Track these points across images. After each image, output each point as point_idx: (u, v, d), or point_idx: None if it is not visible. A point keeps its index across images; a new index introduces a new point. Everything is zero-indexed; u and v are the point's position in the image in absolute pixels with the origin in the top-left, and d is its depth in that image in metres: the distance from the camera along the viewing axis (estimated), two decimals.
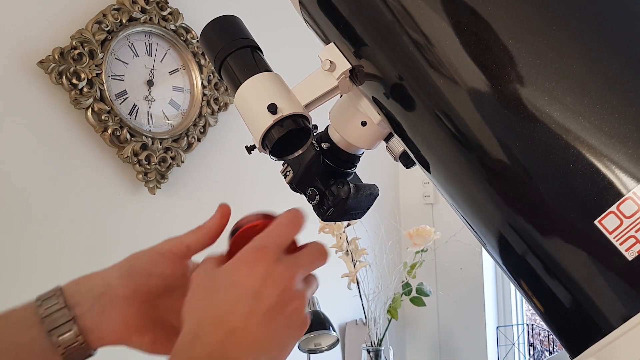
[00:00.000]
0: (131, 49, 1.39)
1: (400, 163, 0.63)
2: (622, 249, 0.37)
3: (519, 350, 2.00)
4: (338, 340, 1.62)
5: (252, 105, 0.58)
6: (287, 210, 0.48)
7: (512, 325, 2.05)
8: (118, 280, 0.48)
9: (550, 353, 2.00)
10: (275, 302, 0.42)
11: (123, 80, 1.37)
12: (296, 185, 0.68)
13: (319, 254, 0.48)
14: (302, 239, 0.59)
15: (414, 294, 1.81)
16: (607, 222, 0.38)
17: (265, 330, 0.42)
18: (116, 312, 0.47)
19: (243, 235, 0.48)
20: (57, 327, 0.45)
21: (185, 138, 1.47)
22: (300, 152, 0.59)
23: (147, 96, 1.42)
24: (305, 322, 0.45)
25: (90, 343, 0.47)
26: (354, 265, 1.66)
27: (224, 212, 0.51)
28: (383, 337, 1.74)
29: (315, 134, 0.66)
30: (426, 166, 0.53)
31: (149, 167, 1.38)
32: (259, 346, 0.41)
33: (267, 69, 0.61)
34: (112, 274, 0.49)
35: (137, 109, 1.40)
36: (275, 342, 0.42)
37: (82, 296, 0.47)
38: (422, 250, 1.79)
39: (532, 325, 2.06)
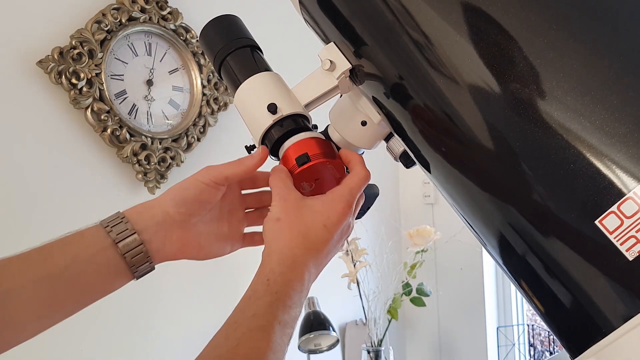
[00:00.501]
0: (131, 49, 1.39)
1: (400, 163, 0.63)
2: (622, 249, 0.37)
3: (519, 350, 2.00)
4: (338, 340, 1.62)
5: (252, 105, 0.58)
6: (356, 161, 0.58)
7: (513, 326, 2.05)
8: (174, 209, 0.56)
9: (551, 353, 2.00)
10: (338, 246, 0.57)
11: (122, 80, 1.37)
12: None
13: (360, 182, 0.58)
14: None
15: (414, 294, 1.81)
16: (607, 222, 0.38)
17: (325, 264, 0.56)
18: (176, 236, 0.56)
19: (314, 168, 0.57)
20: (130, 250, 0.53)
21: (185, 138, 1.47)
22: None
23: (146, 96, 1.42)
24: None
25: (155, 261, 0.56)
26: (354, 266, 1.66)
27: (264, 156, 0.58)
28: (383, 337, 1.74)
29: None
30: (426, 166, 0.53)
31: (148, 167, 1.38)
32: (319, 273, 0.56)
33: (267, 68, 0.61)
34: (167, 203, 0.56)
35: (137, 109, 1.39)
36: (324, 267, 0.57)
37: (146, 223, 0.55)
38: (422, 251, 1.79)
39: (532, 325, 2.06)
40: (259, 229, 0.61)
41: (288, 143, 0.57)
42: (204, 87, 1.52)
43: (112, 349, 1.31)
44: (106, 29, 1.32)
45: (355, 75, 0.57)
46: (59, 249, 0.53)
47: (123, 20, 1.35)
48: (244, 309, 0.49)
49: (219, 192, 0.58)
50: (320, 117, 0.64)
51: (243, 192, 0.64)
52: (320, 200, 0.55)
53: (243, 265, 1.57)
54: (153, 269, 0.56)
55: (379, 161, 1.58)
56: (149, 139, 1.38)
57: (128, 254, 0.53)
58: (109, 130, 1.31)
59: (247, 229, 0.65)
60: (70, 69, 1.25)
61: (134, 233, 0.54)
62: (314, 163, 0.56)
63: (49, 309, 0.51)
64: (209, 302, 1.49)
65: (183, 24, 1.48)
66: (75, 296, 0.52)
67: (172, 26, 1.45)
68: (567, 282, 0.41)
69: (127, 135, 1.34)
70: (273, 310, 0.49)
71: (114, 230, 0.54)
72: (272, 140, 0.58)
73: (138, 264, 0.54)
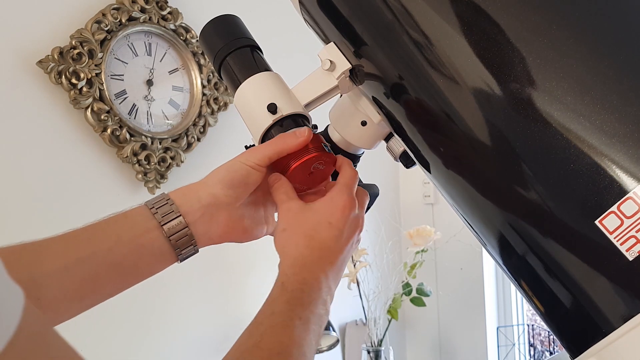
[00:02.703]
0: (131, 49, 1.39)
1: (400, 163, 0.63)
2: (622, 249, 0.37)
3: (519, 350, 2.00)
4: (338, 340, 1.62)
5: (251, 105, 0.58)
6: (343, 162, 0.59)
7: (513, 326, 2.05)
8: (222, 191, 0.56)
9: (551, 353, 2.00)
10: (353, 240, 0.57)
11: (122, 80, 1.37)
12: None
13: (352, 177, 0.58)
14: None
15: (414, 294, 1.81)
16: (607, 222, 0.38)
17: (343, 260, 0.56)
18: (222, 218, 0.56)
19: (304, 164, 0.57)
20: (176, 233, 0.53)
21: (185, 138, 1.47)
22: None
23: (146, 96, 1.42)
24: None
25: (199, 244, 0.56)
26: (354, 266, 1.66)
27: (308, 137, 0.57)
28: (383, 337, 1.74)
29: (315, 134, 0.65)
30: (426, 166, 0.53)
31: (148, 167, 1.38)
32: (340, 270, 0.56)
33: (266, 68, 0.60)
34: (214, 185, 0.56)
35: (137, 109, 1.39)
36: (345, 264, 0.57)
37: (191, 206, 0.54)
38: (422, 251, 1.79)
39: (532, 325, 2.05)
40: None
41: None
42: (204, 87, 1.52)
43: (113, 349, 1.31)
44: (106, 29, 1.32)
45: (355, 75, 0.57)
46: (103, 230, 0.53)
47: (123, 20, 1.35)
48: (264, 311, 0.50)
49: (262, 175, 0.58)
50: (320, 117, 0.63)
51: None
52: (320, 201, 0.56)
53: (245, 265, 1.57)
54: (197, 251, 0.56)
55: (379, 161, 1.59)
56: (149, 139, 1.38)
57: (173, 236, 0.53)
58: (109, 130, 1.31)
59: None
60: (70, 69, 1.25)
61: (179, 215, 0.53)
62: (303, 160, 0.57)
63: (91, 291, 0.51)
64: (209, 302, 1.49)
65: (183, 24, 1.48)
66: (118, 278, 0.52)
67: (172, 26, 1.45)
68: (567, 282, 0.41)
69: (127, 135, 1.34)
70: (291, 307, 0.49)
71: (159, 212, 0.53)
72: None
73: (182, 246, 0.54)
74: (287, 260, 0.53)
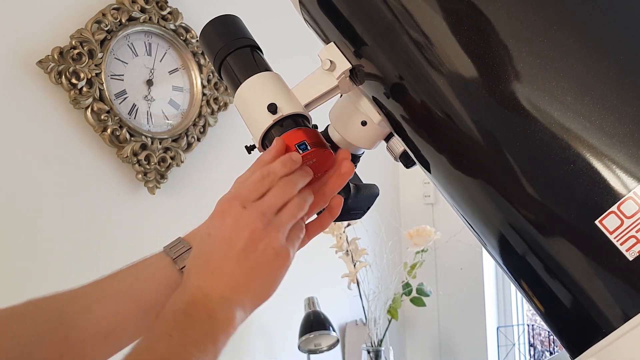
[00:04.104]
0: (131, 49, 1.39)
1: (400, 163, 0.63)
2: (622, 249, 0.37)
3: (519, 350, 2.00)
4: (338, 340, 1.62)
5: (252, 105, 0.58)
6: (258, 166, 0.53)
7: (513, 326, 2.05)
8: None
9: (551, 353, 2.00)
10: (246, 244, 0.49)
11: (122, 80, 1.37)
12: None
13: (281, 192, 0.52)
14: None
15: (414, 294, 1.81)
16: (607, 222, 0.38)
17: (240, 270, 0.49)
18: None
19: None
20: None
21: (185, 138, 1.47)
22: None
23: (146, 96, 1.42)
24: (281, 254, 0.50)
25: None
26: (354, 266, 1.66)
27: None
28: (383, 337, 1.74)
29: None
30: (426, 166, 0.53)
31: (148, 167, 1.38)
32: (238, 284, 0.49)
33: (267, 68, 0.60)
34: None
35: (137, 109, 1.39)
36: (253, 278, 0.49)
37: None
38: (422, 251, 1.79)
39: (532, 325, 2.05)
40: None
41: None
42: (204, 87, 1.52)
43: None
44: (106, 29, 1.32)
45: (355, 75, 0.57)
46: (123, 272, 0.56)
47: (123, 20, 1.35)
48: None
49: None
50: (320, 117, 0.63)
51: None
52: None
53: None
54: None
55: (379, 161, 1.59)
56: (149, 139, 1.38)
57: (185, 269, 0.53)
58: (109, 130, 1.31)
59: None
60: (70, 69, 1.25)
61: (190, 248, 0.56)
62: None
63: (114, 327, 0.53)
64: None
65: (183, 24, 1.48)
66: (139, 313, 0.54)
67: (172, 26, 1.45)
68: (567, 282, 0.41)
69: (127, 135, 1.34)
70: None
71: (172, 250, 0.56)
72: (272, 140, 0.58)
73: None
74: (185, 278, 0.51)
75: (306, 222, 0.57)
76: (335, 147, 0.65)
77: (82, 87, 1.27)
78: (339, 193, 0.63)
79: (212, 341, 0.46)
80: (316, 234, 0.58)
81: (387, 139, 0.64)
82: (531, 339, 2.05)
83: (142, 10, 1.39)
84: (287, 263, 0.51)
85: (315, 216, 0.59)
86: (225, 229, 0.50)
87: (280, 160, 0.53)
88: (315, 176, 0.59)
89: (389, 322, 1.78)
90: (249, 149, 0.61)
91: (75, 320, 0.52)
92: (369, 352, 1.71)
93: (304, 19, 0.62)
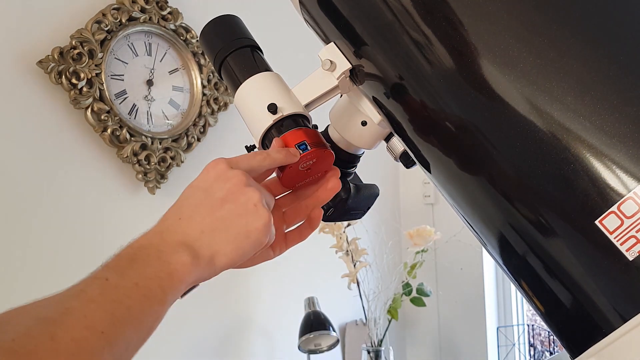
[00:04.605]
0: (131, 49, 1.39)
1: (400, 163, 0.63)
2: (622, 249, 0.37)
3: (519, 350, 2.00)
4: (338, 340, 1.62)
5: (252, 105, 0.58)
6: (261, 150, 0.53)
7: (513, 326, 2.05)
8: None
9: (551, 353, 2.00)
10: (225, 194, 0.47)
11: (123, 80, 1.37)
12: None
13: (270, 160, 0.51)
14: None
15: (414, 294, 1.81)
16: (607, 222, 0.38)
17: (211, 218, 0.46)
18: None
19: (289, 175, 0.55)
20: None
21: (185, 138, 1.47)
22: None
23: (146, 96, 1.42)
24: (262, 211, 0.47)
25: (198, 280, 0.51)
26: (354, 266, 1.66)
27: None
28: (383, 337, 1.74)
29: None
30: (426, 166, 0.53)
31: (148, 167, 1.38)
32: (202, 232, 0.45)
33: (267, 68, 0.60)
34: None
35: (137, 109, 1.39)
36: (223, 229, 0.46)
37: None
38: (422, 251, 1.79)
39: (532, 325, 2.05)
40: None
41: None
42: (204, 87, 1.52)
43: None
44: (106, 29, 1.32)
45: (355, 75, 0.57)
46: None
47: (123, 20, 1.35)
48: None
49: None
50: (320, 117, 0.63)
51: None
52: None
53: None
54: (197, 285, 0.51)
55: (379, 161, 1.59)
56: (149, 139, 1.38)
57: None
58: (109, 131, 1.31)
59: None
60: (70, 69, 1.25)
61: None
62: (285, 174, 0.55)
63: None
64: (209, 302, 1.49)
65: (183, 24, 1.48)
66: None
67: (172, 26, 1.45)
68: (567, 282, 0.41)
69: (127, 135, 1.34)
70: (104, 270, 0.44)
71: None
72: (272, 140, 0.58)
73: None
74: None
75: (285, 231, 0.57)
76: (335, 147, 0.65)
77: (82, 87, 1.27)
78: (340, 192, 0.63)
79: (158, 284, 0.41)
80: (294, 244, 0.57)
81: (387, 139, 0.64)
82: (531, 339, 2.05)
83: (142, 10, 1.39)
84: (266, 223, 0.47)
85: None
86: (208, 179, 0.48)
87: (277, 148, 0.53)
88: (315, 176, 0.59)
89: (389, 322, 1.78)
90: (249, 149, 0.61)
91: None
92: (369, 352, 1.71)
93: (304, 19, 0.62)
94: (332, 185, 0.57)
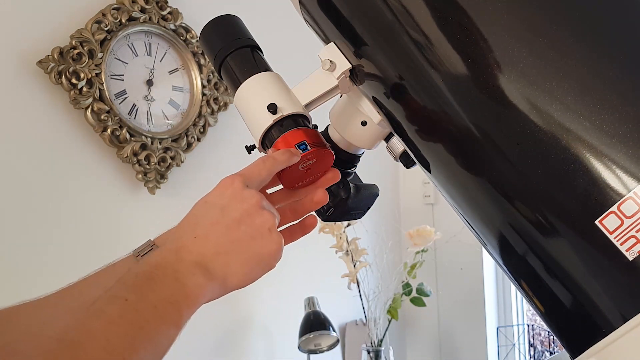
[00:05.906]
0: (131, 49, 1.39)
1: (400, 163, 0.63)
2: (622, 249, 0.37)
3: (519, 350, 2.00)
4: (338, 340, 1.62)
5: (252, 105, 0.58)
6: (267, 156, 0.53)
7: (513, 326, 2.05)
8: None
9: (551, 353, 2.00)
10: (241, 215, 0.47)
11: (122, 80, 1.37)
12: None
13: (270, 165, 0.52)
14: (302, 237, 0.59)
15: (414, 294, 1.81)
16: (607, 222, 0.38)
17: (226, 239, 0.46)
18: None
19: (288, 176, 0.56)
20: None
21: (185, 138, 1.47)
22: None
23: (146, 96, 1.42)
24: (275, 236, 0.48)
25: None
26: (354, 266, 1.66)
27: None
28: (383, 337, 1.74)
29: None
30: (426, 166, 0.53)
31: (148, 167, 1.38)
32: (218, 253, 0.46)
33: (267, 68, 0.60)
34: None
35: (137, 109, 1.39)
36: (237, 251, 0.46)
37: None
38: (422, 251, 1.79)
39: (532, 325, 2.05)
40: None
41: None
42: (204, 87, 1.52)
43: None
44: (106, 29, 1.32)
45: (355, 75, 0.57)
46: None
47: (123, 20, 1.35)
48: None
49: None
50: (320, 117, 0.63)
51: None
52: None
53: None
54: None
55: (379, 161, 1.59)
56: (149, 139, 1.38)
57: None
58: (109, 131, 1.31)
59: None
60: (70, 69, 1.25)
61: (154, 245, 0.53)
62: (285, 175, 0.55)
63: None
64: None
65: (183, 24, 1.48)
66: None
67: (172, 26, 1.45)
68: (567, 282, 0.41)
69: (127, 135, 1.34)
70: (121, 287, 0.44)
71: (137, 250, 0.53)
72: (272, 140, 0.58)
73: None
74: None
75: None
76: (335, 147, 0.65)
77: (82, 87, 1.27)
78: (340, 192, 0.63)
79: (175, 308, 0.42)
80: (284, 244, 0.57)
81: (387, 139, 0.64)
82: (531, 339, 2.05)
83: (142, 10, 1.39)
84: (279, 249, 0.48)
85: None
86: (224, 198, 0.48)
87: (281, 150, 0.53)
88: (315, 176, 0.59)
89: (389, 322, 1.78)
90: (249, 149, 0.61)
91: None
92: (369, 352, 1.71)
93: (304, 19, 0.62)
94: (318, 199, 0.56)
